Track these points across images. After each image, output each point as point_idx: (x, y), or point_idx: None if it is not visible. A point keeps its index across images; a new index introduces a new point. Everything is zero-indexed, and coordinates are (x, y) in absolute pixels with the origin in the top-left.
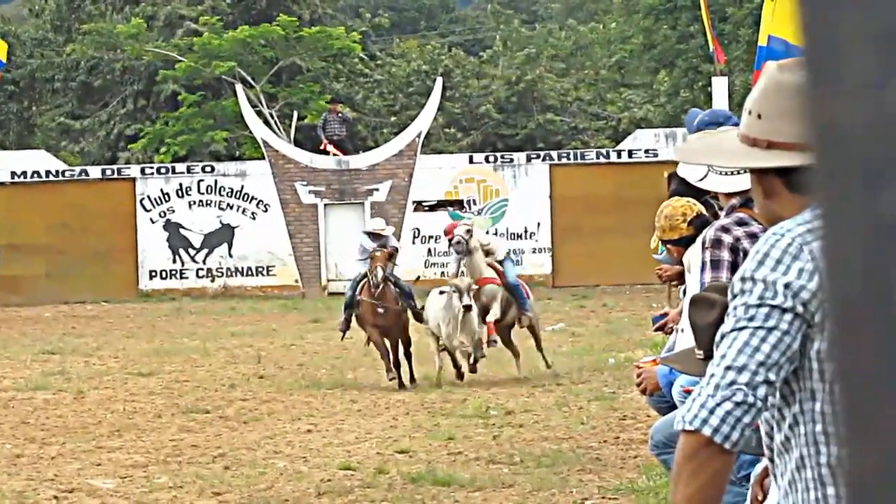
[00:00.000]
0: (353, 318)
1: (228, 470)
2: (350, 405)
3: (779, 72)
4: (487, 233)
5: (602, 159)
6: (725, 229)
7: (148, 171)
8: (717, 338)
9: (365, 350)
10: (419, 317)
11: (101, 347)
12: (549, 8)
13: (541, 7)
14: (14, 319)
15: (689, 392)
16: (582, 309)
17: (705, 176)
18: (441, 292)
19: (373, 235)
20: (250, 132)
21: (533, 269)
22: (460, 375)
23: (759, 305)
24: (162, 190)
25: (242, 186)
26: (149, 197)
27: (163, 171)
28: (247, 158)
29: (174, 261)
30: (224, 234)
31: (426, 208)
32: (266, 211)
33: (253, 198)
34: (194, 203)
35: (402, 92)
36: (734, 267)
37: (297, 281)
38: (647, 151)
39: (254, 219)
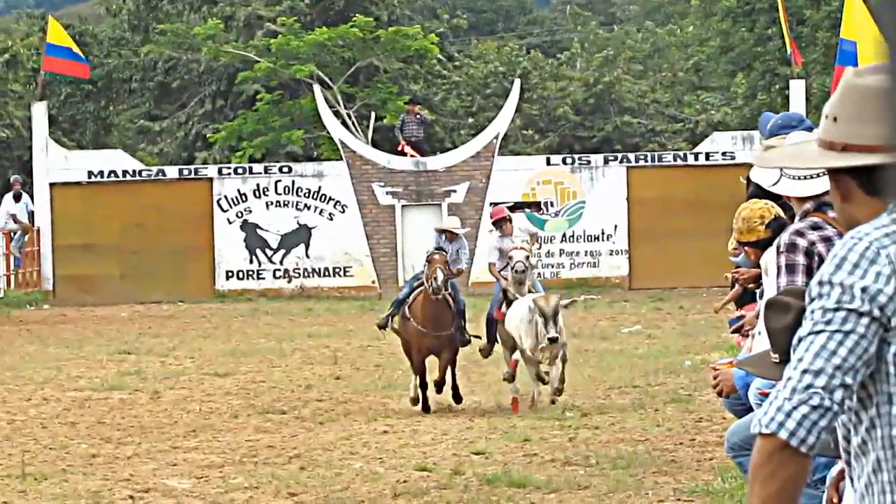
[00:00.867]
0: (396, 323)
1: (304, 470)
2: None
3: (855, 76)
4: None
5: (679, 162)
6: (800, 233)
7: (225, 171)
8: (795, 341)
9: None
10: (465, 344)
11: (176, 347)
12: (626, 10)
13: (618, 9)
14: (89, 319)
15: (765, 395)
16: (658, 311)
17: (778, 180)
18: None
19: (446, 234)
20: (328, 133)
21: (610, 271)
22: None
23: (836, 309)
24: (239, 190)
25: (320, 187)
26: (226, 197)
27: (240, 171)
28: (324, 159)
29: (251, 261)
30: (301, 235)
31: None
32: (343, 212)
33: (330, 198)
34: (271, 203)
35: (479, 93)
36: (809, 271)
37: (373, 282)
38: (724, 154)
39: (331, 219)
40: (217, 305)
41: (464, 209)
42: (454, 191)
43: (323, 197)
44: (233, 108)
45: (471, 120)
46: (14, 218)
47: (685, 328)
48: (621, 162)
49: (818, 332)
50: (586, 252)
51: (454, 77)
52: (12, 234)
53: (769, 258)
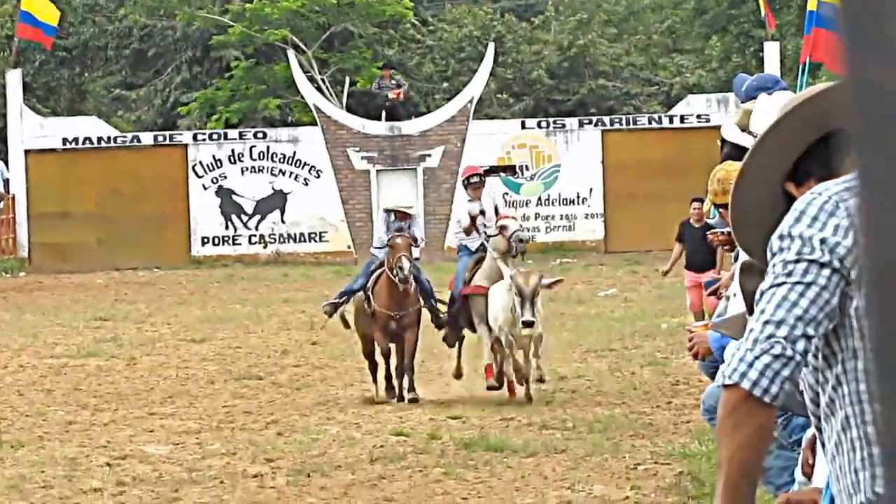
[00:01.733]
0: (346, 313)
1: (281, 436)
2: None
3: None
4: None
5: (654, 125)
6: None
7: (200, 137)
8: (757, 295)
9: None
10: (441, 325)
11: (153, 314)
12: None
13: None
14: (66, 286)
15: None
16: (634, 274)
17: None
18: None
19: (396, 214)
20: (302, 98)
21: (585, 234)
22: (506, 386)
23: (796, 261)
24: (214, 156)
25: (295, 153)
26: (201, 163)
27: (215, 137)
28: (299, 124)
29: (226, 227)
30: (276, 201)
31: None
32: (318, 177)
33: (305, 164)
34: (246, 169)
35: (454, 58)
36: None
37: (349, 247)
38: (699, 117)
39: (306, 185)
40: (193, 272)
41: (439, 173)
42: (429, 155)
43: (298, 162)
44: (209, 76)
45: (445, 84)
46: None
47: (661, 291)
48: (596, 125)
49: (779, 285)
50: (562, 216)
51: (428, 41)
52: None
53: None
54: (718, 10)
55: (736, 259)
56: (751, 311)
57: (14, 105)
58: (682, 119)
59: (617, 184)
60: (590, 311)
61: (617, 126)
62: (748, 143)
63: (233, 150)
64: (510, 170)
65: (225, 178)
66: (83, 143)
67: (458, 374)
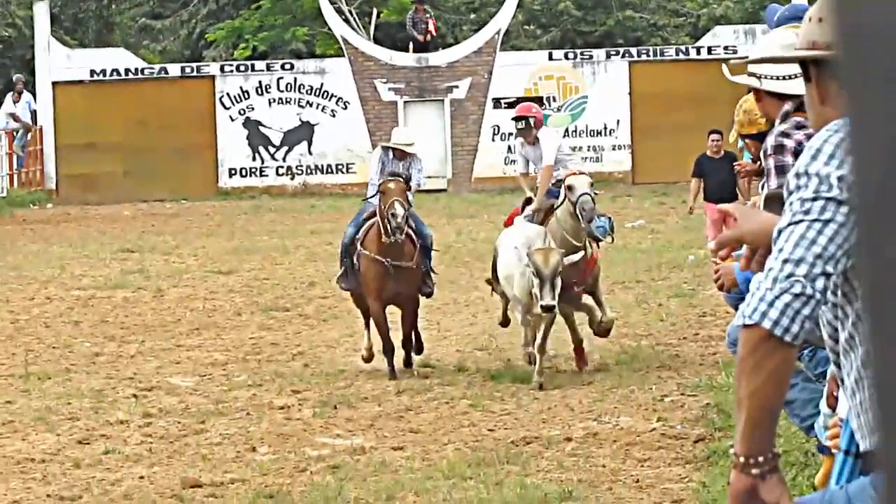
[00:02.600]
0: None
1: (307, 368)
2: (430, 302)
3: None
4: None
5: (681, 56)
6: (786, 134)
7: (227, 68)
8: (775, 234)
9: (443, 249)
10: (429, 294)
11: (180, 246)
12: None
13: None
14: (92, 218)
15: None
16: (661, 206)
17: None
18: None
19: (394, 153)
20: (329, 30)
21: (612, 166)
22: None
23: (814, 199)
24: (241, 88)
25: (322, 84)
26: (228, 95)
27: (242, 68)
28: (326, 56)
29: (253, 159)
30: (304, 132)
31: (505, 105)
32: (346, 108)
33: (332, 95)
34: (274, 101)
35: None
36: None
37: None
38: (726, 48)
39: (333, 116)
40: (220, 203)
41: (466, 105)
42: (456, 87)
43: (325, 94)
44: (235, 7)
45: (472, 16)
46: (14, 117)
47: (688, 223)
48: (623, 57)
49: (797, 223)
50: (589, 147)
51: None
52: (14, 133)
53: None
54: None
55: (762, 189)
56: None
57: (41, 37)
58: (709, 50)
59: (644, 115)
60: (616, 243)
61: (644, 58)
62: (752, 82)
63: (260, 82)
64: (537, 101)
65: (252, 109)
66: (110, 75)
67: (505, 322)
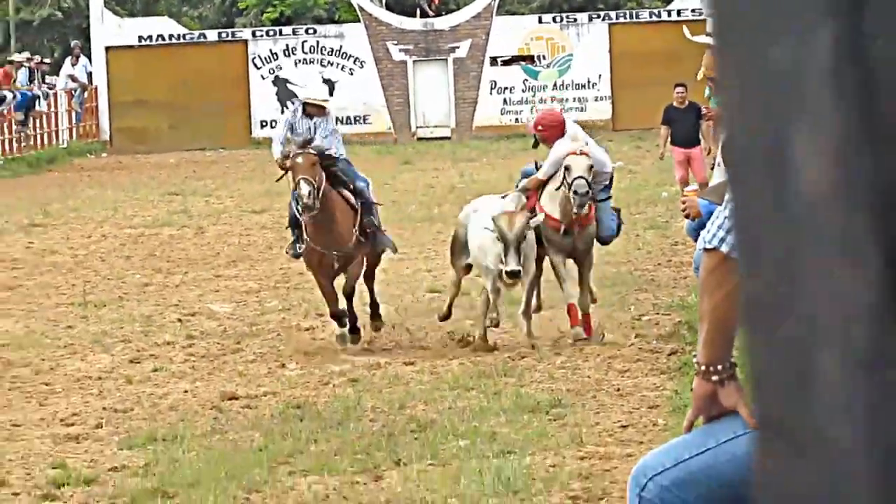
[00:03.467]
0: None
1: None
2: (437, 236)
3: None
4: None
5: (654, 18)
6: None
7: (258, 33)
8: None
9: (450, 187)
10: (393, 248)
11: (218, 188)
12: None
13: None
14: (142, 165)
15: None
16: (638, 149)
17: None
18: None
19: (306, 108)
20: None
21: (596, 115)
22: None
23: None
24: (271, 50)
25: (341, 46)
26: (259, 56)
27: (271, 33)
28: (344, 21)
29: (282, 112)
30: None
31: (501, 63)
32: (362, 67)
33: (350, 56)
34: (299, 61)
35: None
36: None
37: (389, 128)
38: (693, 10)
39: (351, 74)
40: (253, 151)
41: (467, 63)
42: (458, 47)
43: (344, 54)
44: None
45: None
46: (73, 78)
47: (662, 164)
48: (603, 19)
49: None
50: (575, 98)
51: None
52: (73, 92)
53: None
54: None
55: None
56: None
57: (96, 8)
58: (678, 13)
59: (622, 70)
60: None
61: (622, 20)
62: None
63: (287, 45)
64: (529, 59)
65: (280, 69)
66: (156, 41)
67: (446, 316)
